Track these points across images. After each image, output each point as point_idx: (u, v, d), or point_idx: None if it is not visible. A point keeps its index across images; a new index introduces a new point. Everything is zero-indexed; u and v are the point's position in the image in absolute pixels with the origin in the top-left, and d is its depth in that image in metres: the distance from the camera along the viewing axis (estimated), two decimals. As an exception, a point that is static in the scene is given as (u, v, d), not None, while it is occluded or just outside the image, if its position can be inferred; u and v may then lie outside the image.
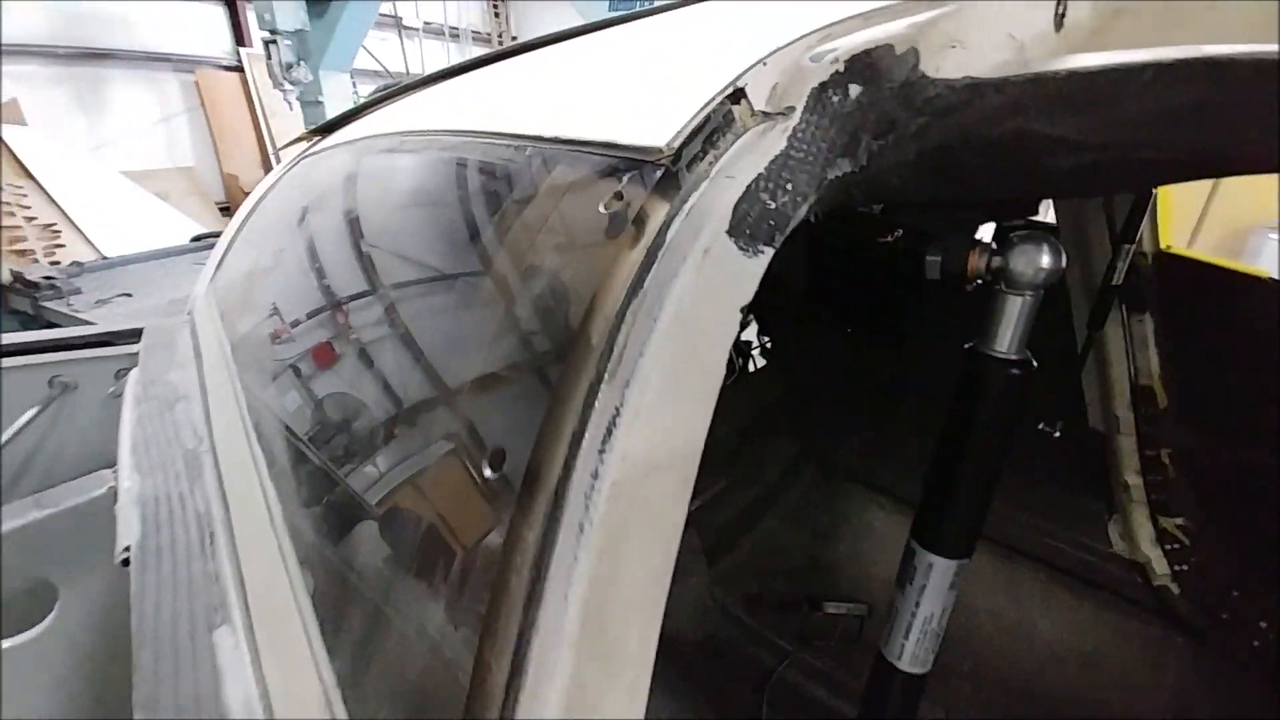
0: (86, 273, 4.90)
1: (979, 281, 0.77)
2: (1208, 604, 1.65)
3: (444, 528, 0.58)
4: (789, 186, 0.54)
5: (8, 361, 1.51)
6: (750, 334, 2.35)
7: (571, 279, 0.53)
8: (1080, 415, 1.68)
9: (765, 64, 0.55)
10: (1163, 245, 1.49)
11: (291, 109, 6.28)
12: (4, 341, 1.58)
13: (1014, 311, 0.80)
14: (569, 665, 0.41)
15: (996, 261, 0.78)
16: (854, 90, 0.54)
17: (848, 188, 0.58)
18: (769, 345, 2.32)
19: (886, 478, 2.26)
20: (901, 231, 0.81)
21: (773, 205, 0.53)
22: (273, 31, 5.71)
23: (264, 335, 1.20)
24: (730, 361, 2.13)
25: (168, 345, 1.51)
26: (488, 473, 0.50)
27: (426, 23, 9.45)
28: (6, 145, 6.47)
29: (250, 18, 7.30)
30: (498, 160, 0.73)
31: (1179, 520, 1.70)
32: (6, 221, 6.26)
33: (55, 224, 6.47)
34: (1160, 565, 1.72)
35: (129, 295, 4.45)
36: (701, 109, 0.53)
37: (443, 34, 9.48)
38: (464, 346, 0.65)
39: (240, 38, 8.16)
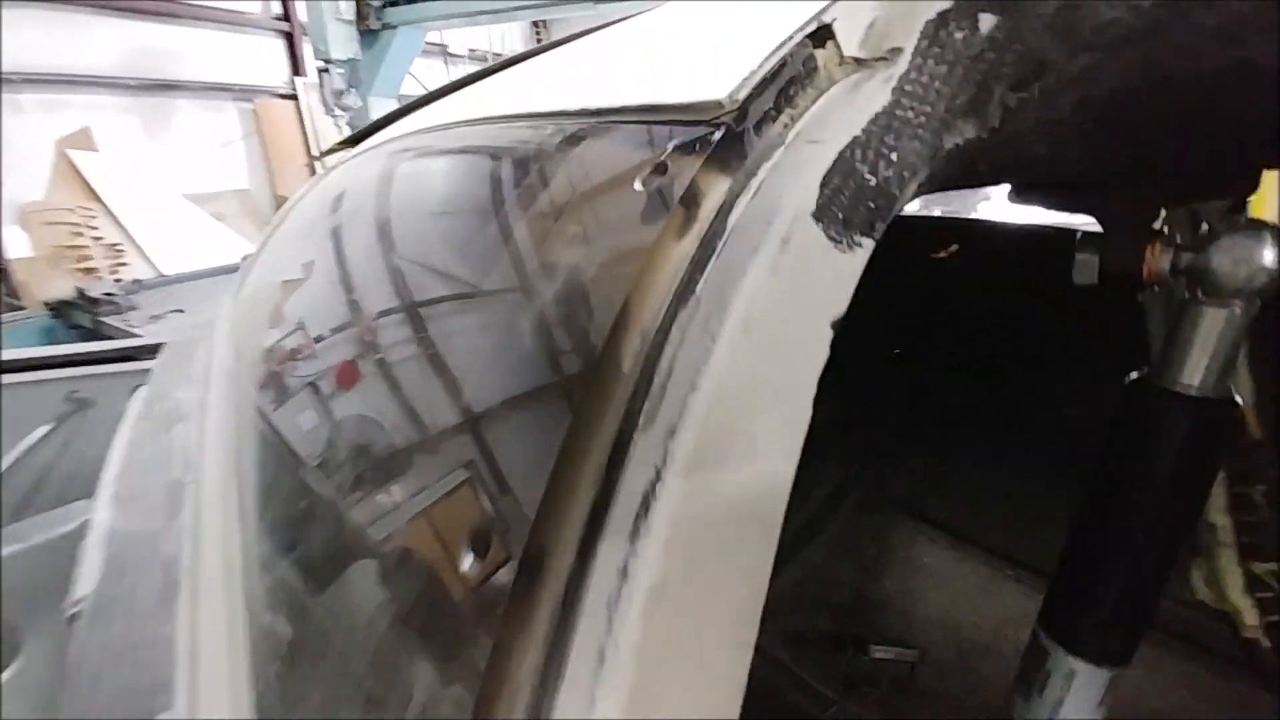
0: (145, 289, 5.15)
1: (1156, 287, 0.58)
2: (1303, 660, 1.45)
3: (408, 647, 0.43)
4: (893, 156, 0.39)
5: (24, 376, 1.46)
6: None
7: (596, 283, 0.39)
8: None
9: (860, -9, 0.41)
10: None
11: (341, 134, 6.51)
12: (21, 356, 1.53)
13: (1213, 330, 0.58)
14: None
15: (1188, 259, 0.57)
16: (986, 22, 0.39)
17: (971, 159, 0.43)
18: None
19: (939, 509, 2.10)
20: (955, 247, 0.63)
21: (872, 181, 0.38)
22: (326, 61, 5.99)
23: (266, 353, 1.10)
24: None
25: (184, 360, 1.44)
26: (466, 564, 0.35)
27: (471, 50, 9.69)
28: (79, 170, 6.84)
29: (306, 49, 7.60)
30: (515, 144, 0.59)
31: (1273, 565, 1.46)
32: (76, 241, 6.60)
33: (120, 244, 6.78)
34: (1250, 615, 1.48)
35: (181, 311, 4.59)
36: (774, 51, 0.39)
37: (486, 60, 9.70)
38: (452, 376, 0.50)
39: (296, 68, 8.52)
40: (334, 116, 6.27)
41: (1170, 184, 0.57)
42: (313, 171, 8.33)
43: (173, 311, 4.59)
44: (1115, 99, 0.39)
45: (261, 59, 8.29)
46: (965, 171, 0.44)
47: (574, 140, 0.50)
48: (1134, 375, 0.65)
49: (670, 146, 0.39)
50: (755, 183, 0.37)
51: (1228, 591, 1.60)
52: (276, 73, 8.43)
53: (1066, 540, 0.72)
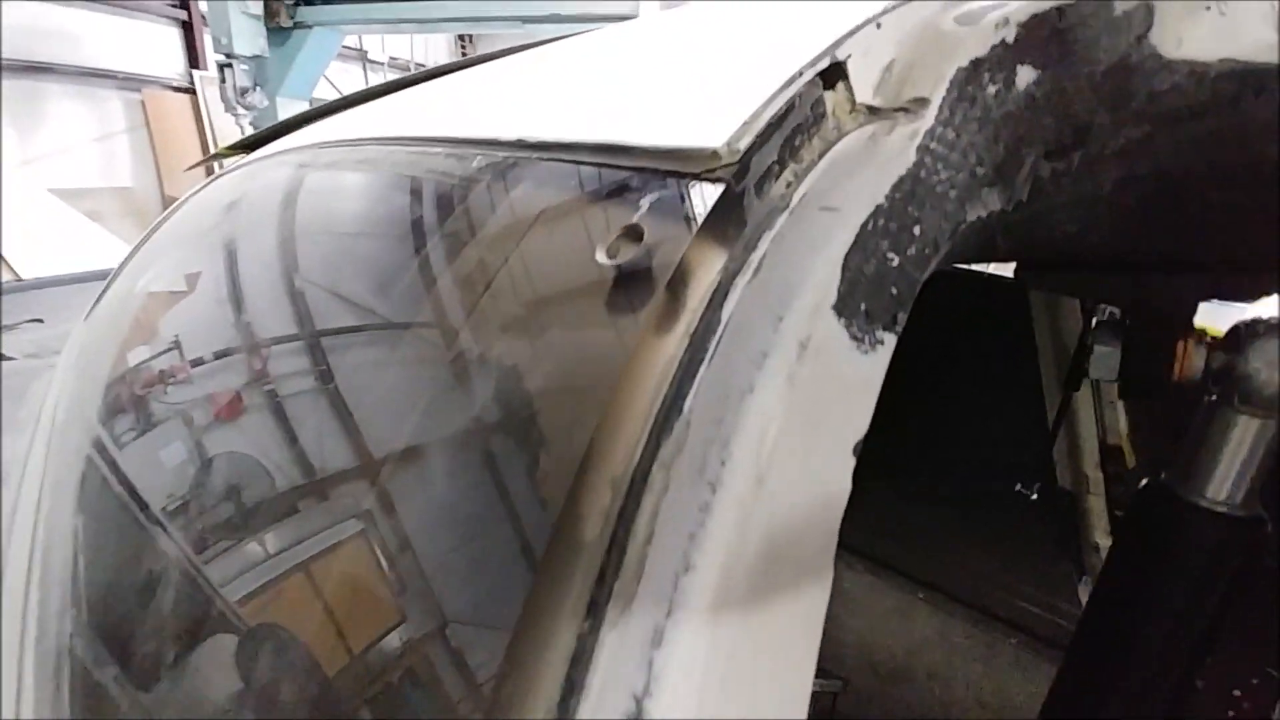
0: None
1: (1186, 389, 0.53)
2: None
3: None
4: (917, 230, 0.32)
5: None
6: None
7: (541, 398, 0.28)
8: (1049, 475, 1.64)
9: (879, 25, 0.33)
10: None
11: (244, 134, 6.09)
12: None
13: (1246, 441, 0.52)
14: None
15: (1222, 359, 0.51)
16: (1025, 76, 0.32)
17: (990, 235, 0.36)
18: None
19: (856, 535, 2.09)
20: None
21: (895, 261, 0.30)
22: (229, 55, 5.62)
23: (129, 374, 0.93)
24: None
25: (16, 397, 1.20)
26: None
27: (392, 58, 9.34)
28: (-83, 156, 5.99)
29: (206, 40, 7.06)
30: (430, 177, 0.47)
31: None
32: (-90, 237, 5.74)
33: (-35, 242, 5.96)
34: None
35: (40, 321, 4.02)
36: (782, 89, 0.30)
37: (409, 70, 9.39)
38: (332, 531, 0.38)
39: (194, 60, 7.91)
40: (236, 115, 5.85)
41: (1213, 277, 0.53)
42: (209, 172, 7.69)
43: (30, 321, 4.01)
44: (1164, 179, 0.34)
45: (153, 47, 7.63)
46: (981, 248, 0.37)
47: (506, 179, 0.39)
48: (1146, 481, 0.61)
49: (645, 204, 0.30)
50: (755, 258, 0.28)
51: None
52: (170, 63, 7.77)
53: (1071, 644, 0.65)
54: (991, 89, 0.33)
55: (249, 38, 5.72)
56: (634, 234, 0.29)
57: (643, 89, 0.40)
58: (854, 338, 0.28)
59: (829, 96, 0.32)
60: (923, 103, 0.32)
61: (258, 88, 5.89)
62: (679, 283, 0.27)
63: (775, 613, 0.23)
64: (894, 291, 0.31)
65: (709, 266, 0.27)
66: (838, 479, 0.26)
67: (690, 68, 0.40)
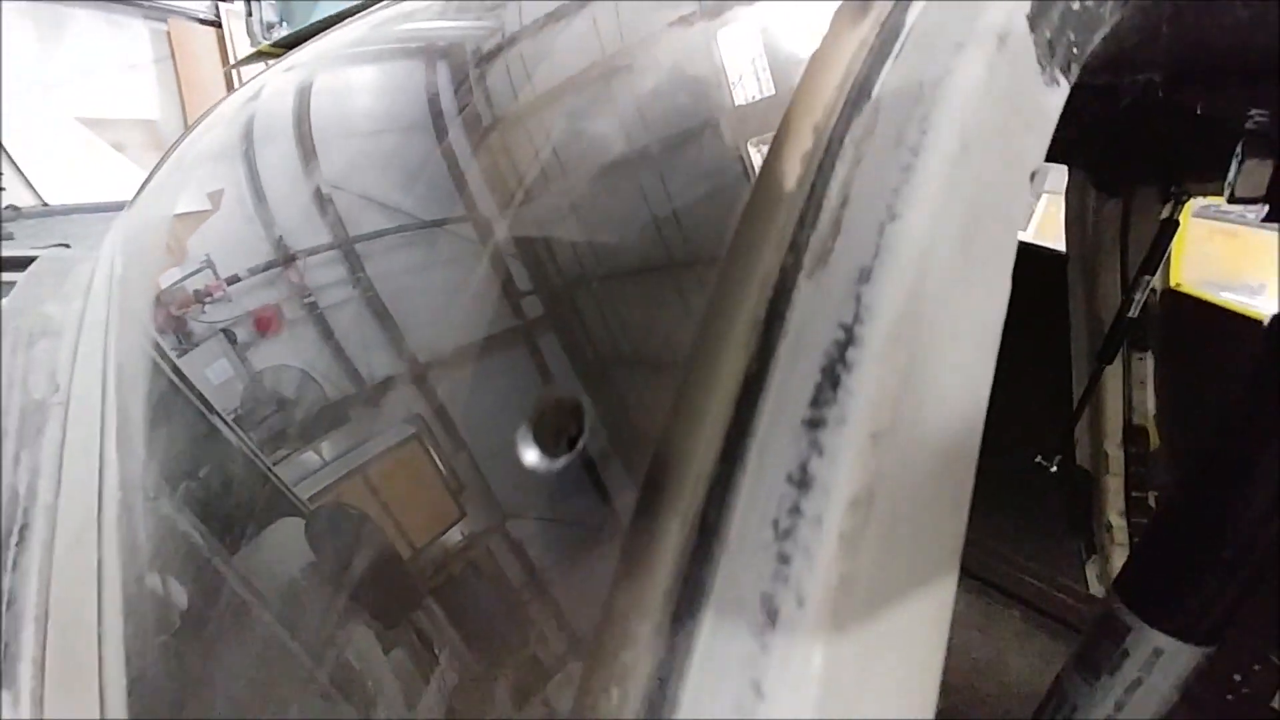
0: (23, 219, 4.52)
1: None
2: (1186, 651, 1.64)
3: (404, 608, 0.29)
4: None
5: None
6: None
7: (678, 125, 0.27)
8: (1068, 451, 1.64)
9: None
10: (1173, 283, 1.43)
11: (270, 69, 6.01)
12: None
13: None
14: None
15: None
16: None
17: (1154, 24, 0.34)
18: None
19: None
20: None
21: (1076, 5, 0.29)
22: None
23: (164, 294, 0.92)
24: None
25: (59, 274, 1.20)
26: (531, 457, 0.21)
27: (424, -1, 9.14)
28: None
29: (235, -29, 6.94)
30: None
31: (1163, 563, 1.72)
32: (-63, 157, 5.75)
33: (-6, 163, 5.97)
34: None
35: (66, 246, 4.04)
36: None
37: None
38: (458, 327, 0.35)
39: None
40: (263, 50, 5.80)
41: None
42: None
43: (56, 246, 4.03)
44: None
45: (179, -23, 7.52)
46: (1139, 43, 0.35)
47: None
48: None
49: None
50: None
51: (1122, 587, 1.79)
52: (197, -5, 7.67)
53: (1166, 500, 0.63)
54: None
55: (276, -30, 5.64)
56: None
57: None
58: (1039, 61, 0.27)
59: None
60: None
61: (283, 23, 5.85)
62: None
63: (969, 280, 0.22)
64: (1071, 37, 0.29)
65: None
66: (1022, 193, 0.25)
67: None
